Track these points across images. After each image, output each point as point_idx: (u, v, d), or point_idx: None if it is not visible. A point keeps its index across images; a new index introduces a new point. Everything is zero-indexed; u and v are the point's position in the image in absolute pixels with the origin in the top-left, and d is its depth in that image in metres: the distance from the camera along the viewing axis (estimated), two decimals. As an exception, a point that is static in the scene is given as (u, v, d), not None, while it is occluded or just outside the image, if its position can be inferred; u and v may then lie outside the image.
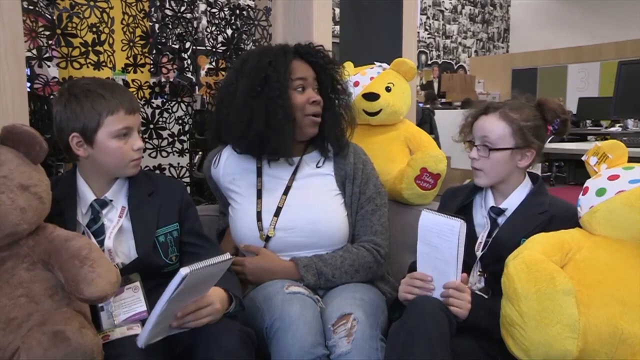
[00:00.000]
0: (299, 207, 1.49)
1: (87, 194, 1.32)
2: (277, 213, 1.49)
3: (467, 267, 1.37)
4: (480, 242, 1.39)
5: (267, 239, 1.48)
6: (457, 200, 1.49)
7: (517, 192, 1.42)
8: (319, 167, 1.54)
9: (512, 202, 1.41)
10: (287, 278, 1.42)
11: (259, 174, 1.54)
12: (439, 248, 1.25)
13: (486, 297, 1.34)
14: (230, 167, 1.58)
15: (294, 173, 1.52)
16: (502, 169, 1.39)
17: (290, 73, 1.46)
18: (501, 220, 1.41)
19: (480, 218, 1.45)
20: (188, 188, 2.01)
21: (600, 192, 1.23)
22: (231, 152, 1.58)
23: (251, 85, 1.45)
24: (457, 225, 1.21)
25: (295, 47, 1.52)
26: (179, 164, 2.02)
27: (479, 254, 1.38)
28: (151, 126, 1.94)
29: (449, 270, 1.25)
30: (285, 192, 1.51)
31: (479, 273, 1.38)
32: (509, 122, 1.38)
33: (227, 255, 1.11)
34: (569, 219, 1.32)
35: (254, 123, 1.43)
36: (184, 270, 1.02)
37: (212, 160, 1.61)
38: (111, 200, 1.33)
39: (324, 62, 1.51)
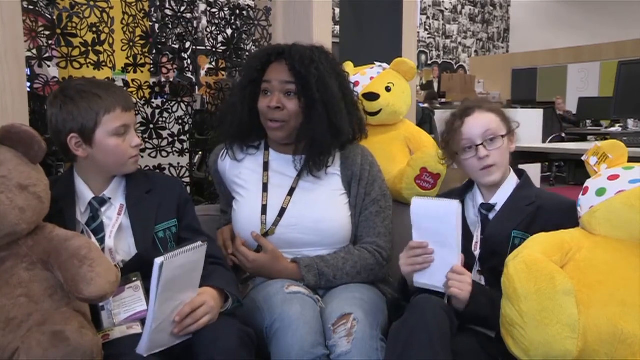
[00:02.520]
0: (303, 204, 1.49)
1: (85, 193, 1.32)
2: (280, 214, 1.49)
3: (467, 267, 1.38)
4: (477, 242, 1.40)
5: (266, 235, 1.48)
6: None
7: (504, 187, 1.43)
8: (327, 166, 1.52)
9: (500, 197, 1.43)
10: (288, 278, 1.42)
11: (266, 168, 1.55)
12: (436, 232, 1.24)
13: None
14: (240, 155, 1.59)
15: (299, 174, 1.52)
16: (506, 155, 1.43)
17: (263, 76, 1.47)
18: (492, 216, 1.43)
19: (473, 217, 1.46)
20: (188, 188, 2.01)
21: (600, 192, 1.23)
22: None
23: (239, 83, 1.54)
24: (454, 206, 1.21)
25: (280, 48, 1.49)
26: (179, 164, 2.02)
27: (477, 253, 1.39)
28: (151, 126, 1.94)
29: (449, 253, 1.25)
30: (290, 193, 1.51)
31: (478, 271, 1.39)
32: (494, 112, 1.43)
33: (199, 243, 1.13)
34: (556, 208, 1.36)
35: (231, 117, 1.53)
36: (159, 260, 1.03)
37: (220, 154, 1.62)
38: (109, 198, 1.33)
39: (299, 65, 1.43)
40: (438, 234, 1.24)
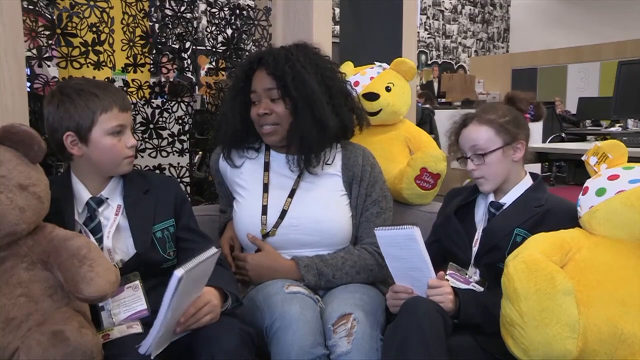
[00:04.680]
0: (304, 205, 1.50)
1: (82, 193, 1.32)
2: (282, 215, 1.49)
3: (464, 264, 1.40)
4: (477, 239, 1.41)
5: (266, 235, 1.48)
6: (458, 199, 1.51)
7: (516, 188, 1.44)
8: (327, 165, 1.53)
9: (511, 196, 1.43)
10: (287, 277, 1.43)
11: (266, 168, 1.55)
12: (406, 259, 1.27)
13: (482, 289, 1.36)
14: (239, 161, 1.59)
15: (300, 175, 1.52)
16: (501, 168, 1.41)
17: (250, 85, 1.49)
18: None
19: (481, 214, 1.46)
20: (188, 188, 2.01)
21: (600, 192, 1.23)
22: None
23: (228, 94, 1.58)
24: (413, 233, 1.23)
25: (260, 55, 1.50)
26: (179, 164, 2.01)
27: (475, 249, 1.40)
28: (151, 126, 1.94)
29: (422, 275, 1.28)
30: (291, 195, 1.51)
31: (473, 264, 1.40)
32: (489, 125, 1.41)
33: (214, 249, 1.13)
34: (564, 214, 1.35)
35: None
36: (179, 272, 1.02)
37: (221, 153, 1.62)
38: (107, 199, 1.34)
39: (273, 68, 1.44)
40: (407, 258, 1.28)
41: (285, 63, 1.44)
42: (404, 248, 1.26)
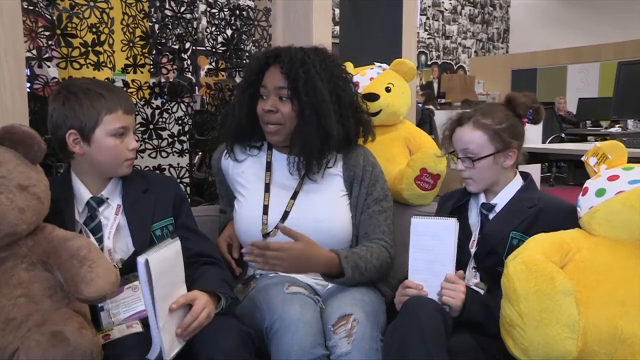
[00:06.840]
0: (306, 206, 1.50)
1: (82, 193, 1.33)
2: (284, 217, 1.49)
3: (462, 265, 1.39)
4: (474, 240, 1.41)
5: (267, 235, 1.48)
6: (451, 202, 1.51)
7: (507, 189, 1.43)
8: (328, 168, 1.52)
9: (502, 197, 1.43)
10: (327, 270, 1.39)
11: (268, 168, 1.55)
12: (432, 250, 1.28)
13: (482, 291, 1.35)
14: (241, 156, 1.59)
15: (303, 178, 1.51)
16: (490, 173, 1.41)
17: (261, 80, 1.49)
18: (492, 215, 1.43)
19: (475, 217, 1.46)
20: (187, 189, 2.01)
21: (600, 192, 1.23)
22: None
23: (239, 85, 1.56)
24: (451, 224, 1.24)
25: (277, 51, 1.50)
26: (178, 164, 2.02)
27: (473, 250, 1.40)
28: (151, 126, 1.94)
29: (442, 269, 1.27)
30: (294, 197, 1.51)
31: (473, 268, 1.40)
32: (484, 130, 1.40)
33: (171, 239, 1.19)
34: (557, 211, 1.35)
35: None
36: (141, 258, 1.07)
37: (223, 152, 1.62)
38: (107, 198, 1.34)
39: (288, 69, 1.43)
40: (434, 249, 1.28)
41: (301, 66, 1.43)
42: (436, 238, 1.26)
